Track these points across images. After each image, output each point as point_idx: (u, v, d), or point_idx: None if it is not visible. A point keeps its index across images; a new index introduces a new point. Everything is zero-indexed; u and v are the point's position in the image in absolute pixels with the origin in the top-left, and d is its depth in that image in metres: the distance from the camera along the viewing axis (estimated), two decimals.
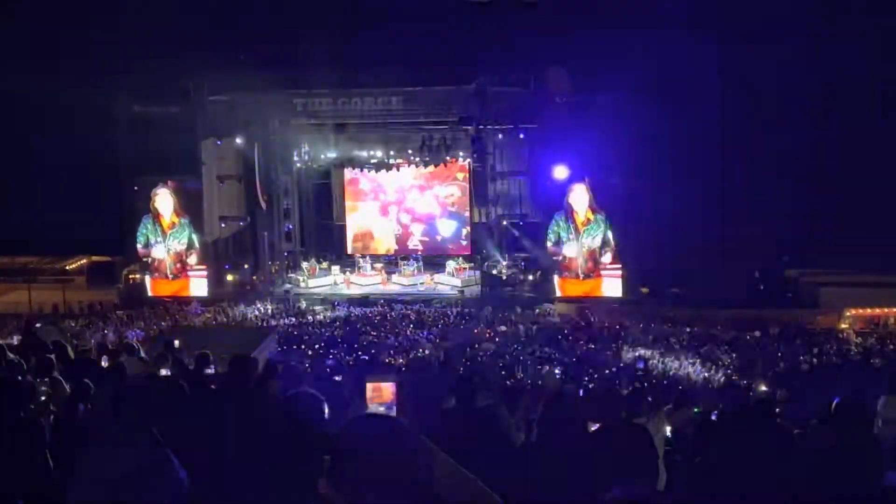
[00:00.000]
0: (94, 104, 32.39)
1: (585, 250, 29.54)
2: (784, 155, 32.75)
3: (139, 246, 31.36)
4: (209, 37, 32.29)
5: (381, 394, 5.80)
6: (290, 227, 34.12)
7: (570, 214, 29.52)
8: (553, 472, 4.65)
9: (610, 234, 29.39)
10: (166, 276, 31.44)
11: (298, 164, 33.76)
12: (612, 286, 29.78)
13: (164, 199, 31.17)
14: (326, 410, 3.60)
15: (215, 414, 5.73)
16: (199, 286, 31.45)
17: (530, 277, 30.99)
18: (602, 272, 29.72)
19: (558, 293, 30.03)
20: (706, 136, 33.43)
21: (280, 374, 7.14)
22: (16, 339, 17.67)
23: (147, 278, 31.59)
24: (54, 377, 8.60)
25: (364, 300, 30.40)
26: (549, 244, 29.81)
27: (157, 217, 31.17)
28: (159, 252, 31.23)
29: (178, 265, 31.40)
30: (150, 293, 31.41)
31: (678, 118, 32.23)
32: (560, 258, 29.54)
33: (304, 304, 30.16)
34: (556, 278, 29.93)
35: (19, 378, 7.64)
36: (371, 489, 2.46)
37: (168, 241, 31.18)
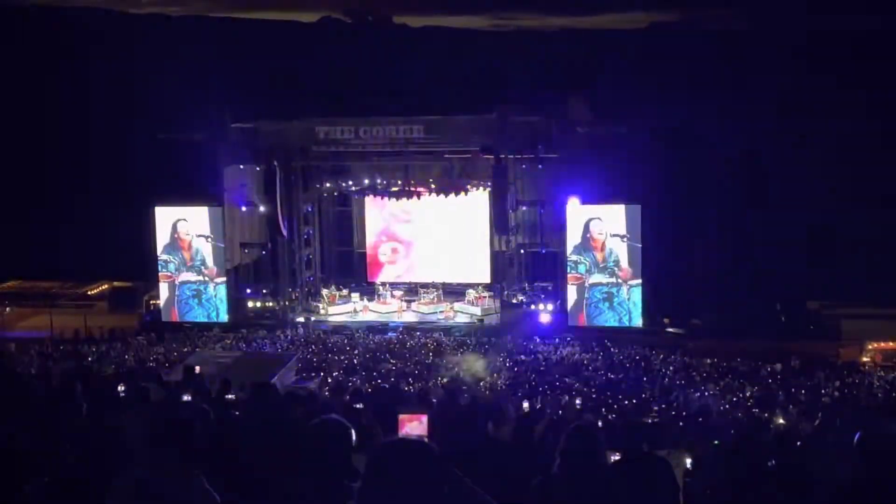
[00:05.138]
0: (118, 131, 32.85)
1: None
2: (804, 187, 32.75)
3: (160, 256, 31.69)
4: (233, 65, 32.73)
5: (413, 427, 5.78)
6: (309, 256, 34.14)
7: (589, 245, 29.49)
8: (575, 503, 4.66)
9: (627, 261, 29.39)
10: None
11: (320, 192, 33.88)
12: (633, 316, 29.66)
13: (188, 227, 31.55)
14: (354, 437, 3.63)
15: (242, 439, 5.78)
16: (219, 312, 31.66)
17: (550, 306, 30.85)
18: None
19: (578, 322, 29.93)
20: (727, 167, 33.49)
21: (304, 400, 7.18)
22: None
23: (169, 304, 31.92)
24: (77, 403, 8.64)
25: (383, 328, 30.40)
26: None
27: (179, 242, 31.48)
28: (184, 275, 31.60)
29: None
30: (172, 318, 31.68)
31: (698, 150, 32.32)
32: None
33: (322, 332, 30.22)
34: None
35: (42, 404, 7.72)
36: None
37: (192, 265, 31.52)
